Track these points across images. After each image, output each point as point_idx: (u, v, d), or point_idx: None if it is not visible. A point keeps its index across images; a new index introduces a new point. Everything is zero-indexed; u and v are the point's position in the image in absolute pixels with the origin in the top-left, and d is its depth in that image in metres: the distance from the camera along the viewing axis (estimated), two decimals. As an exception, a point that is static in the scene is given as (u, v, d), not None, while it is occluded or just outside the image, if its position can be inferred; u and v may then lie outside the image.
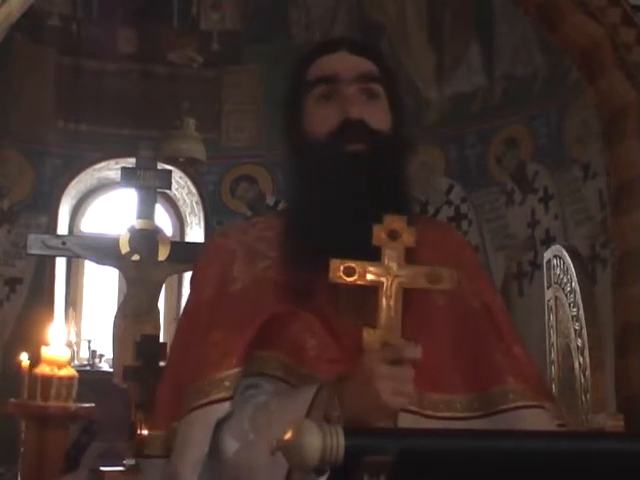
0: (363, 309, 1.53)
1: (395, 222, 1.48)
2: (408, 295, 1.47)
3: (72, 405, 4.96)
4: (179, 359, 1.68)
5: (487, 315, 1.71)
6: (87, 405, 5.12)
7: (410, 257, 1.49)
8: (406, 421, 1.52)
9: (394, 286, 1.46)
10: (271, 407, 1.54)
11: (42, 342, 5.11)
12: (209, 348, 1.60)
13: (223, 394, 1.55)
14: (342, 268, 1.45)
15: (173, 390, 1.63)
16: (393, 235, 1.48)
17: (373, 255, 1.45)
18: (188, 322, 1.72)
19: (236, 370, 1.56)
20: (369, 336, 1.45)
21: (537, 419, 1.60)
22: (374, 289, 1.45)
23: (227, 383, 1.55)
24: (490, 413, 1.61)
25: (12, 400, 5.08)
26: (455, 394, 1.61)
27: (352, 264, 1.46)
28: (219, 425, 1.54)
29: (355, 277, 1.46)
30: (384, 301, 1.45)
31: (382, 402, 1.40)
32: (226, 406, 1.55)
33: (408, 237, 1.48)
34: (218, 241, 1.78)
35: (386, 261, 1.46)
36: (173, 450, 1.56)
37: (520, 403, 1.62)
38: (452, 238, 1.87)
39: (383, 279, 1.46)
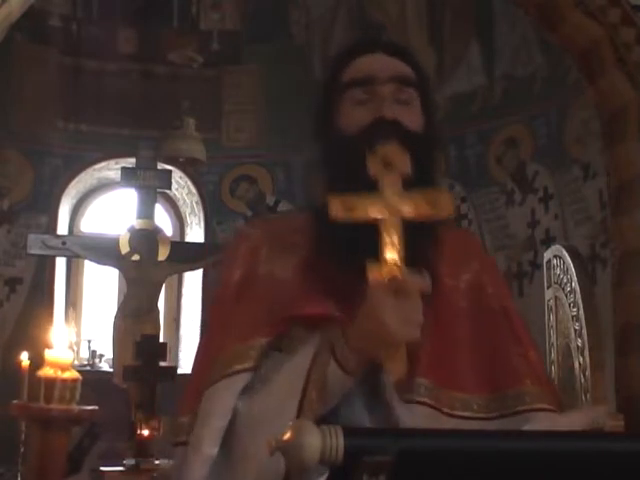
0: None
1: (388, 150, 1.47)
2: (431, 296, 1.46)
3: (75, 408, 4.95)
4: (208, 344, 1.68)
5: (506, 319, 1.72)
6: (90, 408, 5.11)
7: (431, 252, 1.49)
8: (427, 417, 1.53)
9: (395, 219, 1.44)
10: (279, 356, 1.55)
11: (44, 343, 5.10)
12: (235, 324, 1.61)
13: (247, 364, 1.55)
14: (340, 204, 1.44)
15: (202, 375, 1.63)
16: (388, 163, 1.46)
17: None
18: (217, 308, 1.73)
19: (262, 340, 1.57)
20: (374, 271, 1.43)
21: (553, 422, 1.61)
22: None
23: (252, 352, 1.56)
24: (505, 415, 1.62)
25: (14, 402, 5.08)
26: (472, 394, 1.62)
27: (349, 198, 1.44)
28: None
29: (355, 212, 1.44)
30: (386, 234, 1.43)
31: (391, 332, 1.40)
32: (250, 376, 1.55)
33: (403, 164, 1.47)
34: (245, 231, 1.81)
35: (383, 190, 1.45)
36: (197, 419, 1.56)
37: (536, 405, 1.62)
38: (474, 244, 1.90)
39: (384, 214, 1.44)
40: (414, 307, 1.41)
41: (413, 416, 1.53)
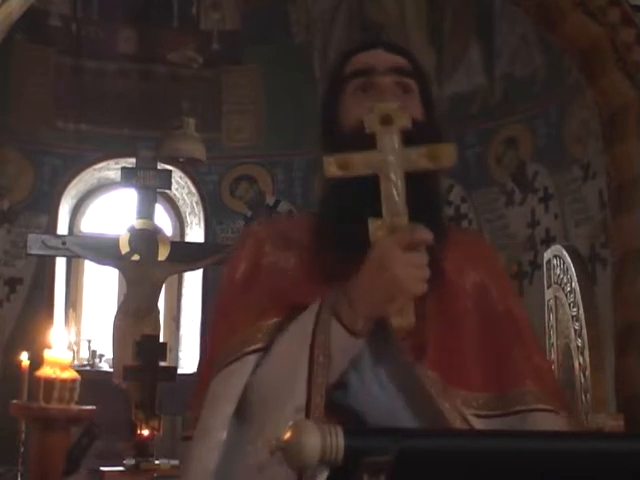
0: None
1: (387, 107, 1.45)
2: (437, 291, 1.47)
3: (74, 408, 4.96)
4: (216, 336, 1.68)
5: (511, 321, 1.72)
6: (89, 407, 5.12)
7: (438, 253, 1.46)
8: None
9: (395, 171, 1.42)
10: (286, 326, 1.54)
11: (43, 344, 5.11)
12: (242, 311, 1.61)
13: (256, 345, 1.54)
14: (336, 162, 1.42)
15: (211, 367, 1.62)
16: (387, 120, 1.44)
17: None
18: (224, 299, 1.72)
19: (270, 322, 1.56)
20: (375, 225, 1.41)
21: (552, 423, 1.61)
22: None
23: (259, 335, 1.55)
24: (507, 413, 1.62)
25: (14, 402, 5.09)
26: (475, 392, 1.62)
27: (345, 156, 1.42)
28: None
29: (351, 169, 1.42)
30: (386, 188, 1.41)
31: (404, 287, 1.39)
32: (258, 357, 1.54)
33: (402, 120, 1.45)
34: (251, 229, 1.82)
35: (382, 147, 1.42)
36: (204, 404, 1.55)
37: (537, 406, 1.62)
38: (481, 246, 1.89)
39: (382, 165, 1.42)
40: (422, 261, 1.40)
41: (423, 377, 1.52)
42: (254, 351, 1.53)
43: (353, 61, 1.73)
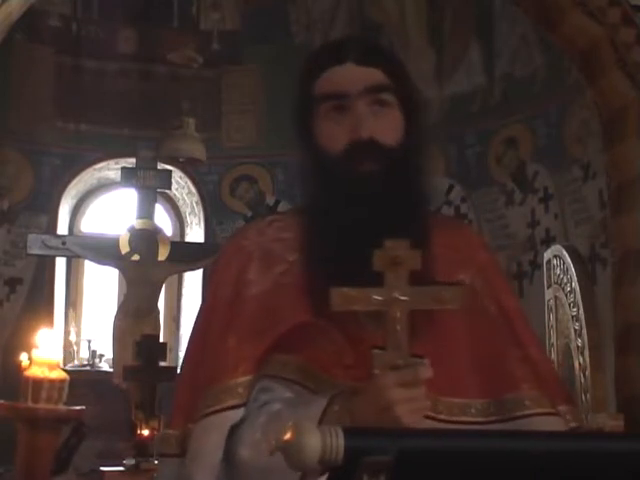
0: (380, 316, 1.52)
1: (397, 247, 1.46)
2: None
3: (62, 408, 4.94)
4: (195, 361, 1.69)
5: (503, 319, 1.71)
6: (77, 408, 5.11)
7: (420, 272, 1.47)
8: (421, 426, 1.52)
9: (400, 310, 1.45)
10: (283, 415, 1.54)
11: (34, 344, 5.10)
12: (225, 353, 1.61)
13: (237, 401, 1.56)
14: (343, 297, 1.44)
15: (189, 391, 1.65)
16: (396, 260, 1.45)
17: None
18: (204, 324, 1.72)
19: (250, 377, 1.58)
20: (378, 358, 1.46)
21: (550, 427, 1.60)
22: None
23: (240, 390, 1.57)
24: (505, 419, 1.61)
25: (1, 402, 5.07)
26: (470, 399, 1.62)
27: (353, 292, 1.44)
28: (232, 430, 1.56)
29: (358, 305, 1.45)
30: (391, 323, 1.45)
31: (400, 420, 1.42)
32: (239, 412, 1.56)
33: (412, 261, 1.46)
34: (235, 243, 1.76)
35: (389, 286, 1.45)
36: (188, 454, 1.58)
37: (534, 410, 1.62)
38: (468, 239, 1.85)
39: (389, 304, 1.45)
40: (422, 396, 1.44)
41: None
42: (234, 407, 1.56)
43: (324, 79, 1.65)
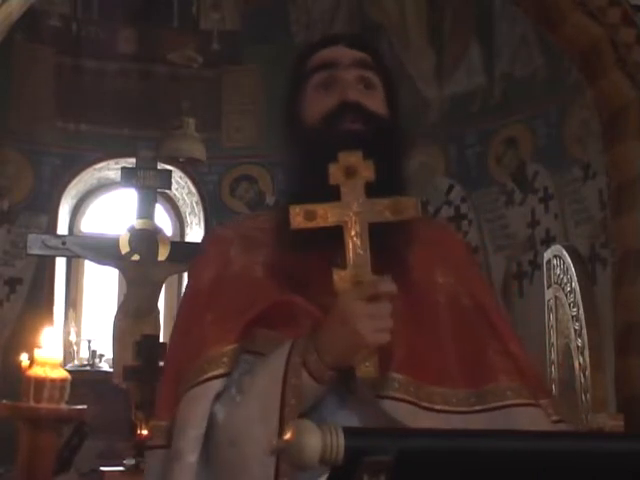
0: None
1: (350, 158, 1.47)
2: (403, 291, 1.48)
3: (64, 407, 4.95)
4: (180, 346, 1.69)
5: (481, 314, 1.72)
6: (79, 407, 5.11)
7: (402, 247, 1.49)
8: (403, 412, 1.52)
9: (358, 223, 1.45)
10: (253, 368, 1.55)
11: (36, 344, 5.11)
12: (207, 327, 1.61)
13: (221, 370, 1.55)
14: (302, 213, 1.45)
15: (174, 379, 1.64)
16: (350, 172, 1.46)
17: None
18: (187, 309, 1.73)
19: (234, 346, 1.57)
20: (339, 277, 1.45)
21: (531, 417, 1.61)
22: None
23: (225, 359, 1.56)
24: (485, 409, 1.61)
25: (4, 401, 5.08)
26: (452, 388, 1.61)
27: (311, 207, 1.46)
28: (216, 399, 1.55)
29: (317, 220, 1.45)
30: (350, 240, 1.45)
31: (365, 341, 1.42)
32: (223, 382, 1.55)
33: (366, 171, 1.47)
34: (215, 232, 1.83)
35: (346, 199, 1.45)
36: (174, 429, 1.56)
37: (515, 401, 1.62)
38: (448, 238, 1.88)
39: (346, 218, 1.45)
40: (385, 313, 1.43)
41: (388, 413, 1.53)
42: (218, 376, 1.55)
43: (316, 57, 1.72)
